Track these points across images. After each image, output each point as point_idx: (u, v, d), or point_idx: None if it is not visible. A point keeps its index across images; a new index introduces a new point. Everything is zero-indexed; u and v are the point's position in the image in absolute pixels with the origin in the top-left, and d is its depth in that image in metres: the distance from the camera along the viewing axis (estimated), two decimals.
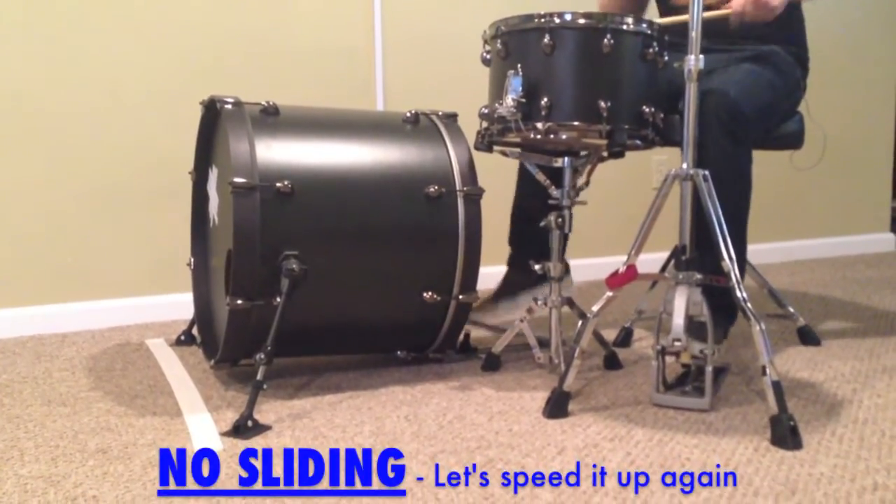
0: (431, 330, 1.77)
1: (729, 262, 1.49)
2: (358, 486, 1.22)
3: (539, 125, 1.59)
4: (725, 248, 1.50)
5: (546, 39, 1.58)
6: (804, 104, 2.04)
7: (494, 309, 1.99)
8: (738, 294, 1.47)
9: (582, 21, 1.59)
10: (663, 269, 2.00)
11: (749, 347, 1.93)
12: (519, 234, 2.07)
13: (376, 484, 1.22)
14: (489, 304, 2.01)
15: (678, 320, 1.49)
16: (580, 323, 1.58)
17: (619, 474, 1.25)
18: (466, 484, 1.22)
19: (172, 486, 1.22)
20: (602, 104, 1.58)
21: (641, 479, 1.23)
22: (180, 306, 2.25)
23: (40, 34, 2.14)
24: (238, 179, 1.54)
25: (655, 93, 1.68)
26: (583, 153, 1.78)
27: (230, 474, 1.26)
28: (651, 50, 1.63)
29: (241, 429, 1.43)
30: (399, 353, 1.82)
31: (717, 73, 1.79)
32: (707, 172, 1.54)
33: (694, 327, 1.51)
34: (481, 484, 1.22)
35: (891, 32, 3.70)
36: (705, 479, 1.23)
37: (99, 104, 2.22)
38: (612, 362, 1.82)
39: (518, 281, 1.99)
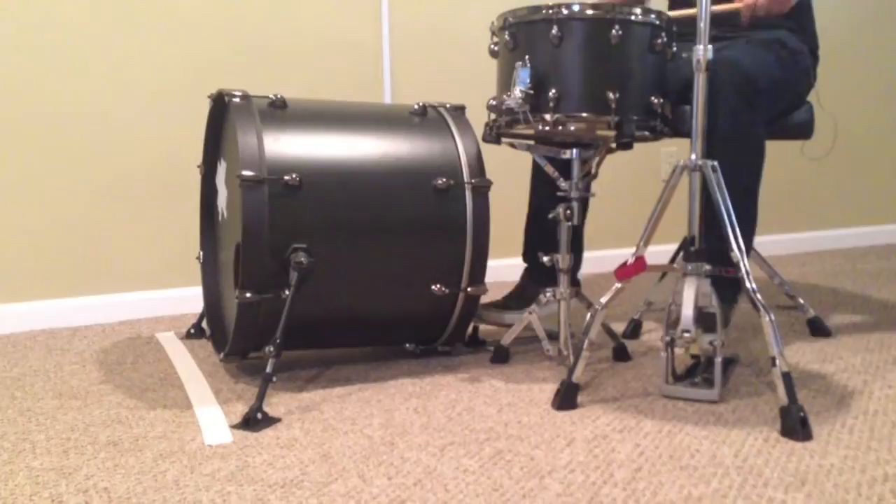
0: (440, 322, 1.78)
1: (738, 253, 1.48)
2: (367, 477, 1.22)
3: (547, 117, 1.59)
4: (735, 240, 1.49)
5: (554, 31, 1.58)
6: (815, 94, 2.03)
7: (500, 316, 1.97)
8: (748, 285, 1.46)
9: (590, 12, 1.59)
10: (672, 260, 1.99)
11: (759, 339, 1.93)
12: (534, 247, 2.02)
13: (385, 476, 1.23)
14: (496, 309, 2.00)
15: (687, 312, 1.48)
16: (589, 315, 1.58)
17: (628, 466, 1.25)
18: (475, 475, 1.22)
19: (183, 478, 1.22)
20: (610, 95, 1.58)
21: (651, 471, 1.23)
22: (190, 300, 2.27)
23: (48, 29, 2.14)
24: (246, 172, 1.55)
25: (664, 84, 1.67)
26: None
27: (240, 466, 1.26)
28: (659, 41, 1.62)
29: (250, 421, 1.43)
30: (408, 345, 1.82)
31: (728, 48, 1.78)
32: (716, 163, 1.54)
33: (703, 318, 1.51)
34: (490, 476, 1.22)
35: None
36: (715, 470, 1.23)
37: (107, 98, 2.22)
38: (621, 354, 1.82)
39: (529, 294, 1.96)
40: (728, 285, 1.73)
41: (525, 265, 2.09)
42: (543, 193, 1.94)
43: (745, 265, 1.48)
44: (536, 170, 2.02)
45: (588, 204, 1.95)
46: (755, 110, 1.76)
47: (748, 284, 1.46)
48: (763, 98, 1.78)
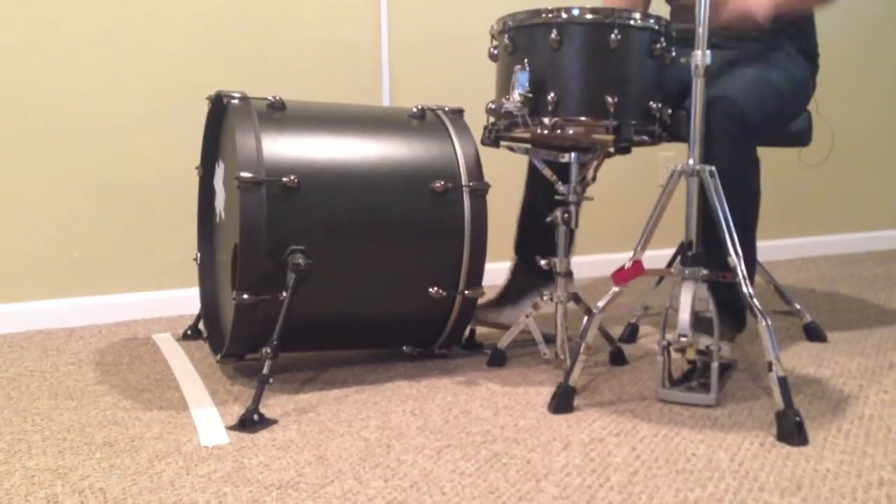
0: (437, 325, 1.78)
1: (735, 258, 1.48)
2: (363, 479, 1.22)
3: (546, 120, 1.59)
4: (732, 245, 1.50)
5: (553, 34, 1.58)
6: (813, 101, 2.03)
7: (498, 314, 1.98)
8: (745, 290, 1.46)
9: (589, 16, 1.59)
10: (669, 264, 1.99)
11: (755, 343, 1.93)
12: (527, 240, 2.03)
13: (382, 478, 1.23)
14: (493, 308, 2.00)
15: (684, 316, 1.49)
16: (586, 318, 1.58)
17: (625, 469, 1.25)
18: (472, 478, 1.22)
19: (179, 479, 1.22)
20: (609, 99, 1.58)
21: (647, 475, 1.23)
22: (187, 301, 2.27)
23: (46, 28, 2.14)
24: (244, 174, 1.55)
25: (662, 88, 1.67)
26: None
27: (236, 468, 1.26)
28: (658, 45, 1.62)
29: (247, 423, 1.43)
30: (405, 348, 1.82)
31: (724, 77, 1.78)
32: (713, 168, 1.54)
33: (700, 323, 1.51)
34: (487, 478, 1.22)
35: None
36: (711, 474, 1.23)
37: (105, 99, 2.22)
38: (617, 358, 1.82)
39: (522, 284, 1.97)
40: (733, 317, 1.76)
41: (516, 257, 2.09)
42: (538, 188, 1.94)
43: (741, 270, 1.48)
44: (532, 166, 2.02)
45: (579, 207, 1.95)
46: (749, 154, 1.77)
47: (745, 289, 1.46)
48: (757, 136, 1.79)
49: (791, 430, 1.35)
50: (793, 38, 1.95)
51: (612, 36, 1.57)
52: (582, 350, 1.53)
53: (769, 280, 2.14)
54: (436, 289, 1.70)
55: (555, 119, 1.59)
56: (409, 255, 1.69)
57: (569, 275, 1.75)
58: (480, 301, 1.93)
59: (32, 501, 1.15)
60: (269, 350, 1.51)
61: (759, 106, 1.77)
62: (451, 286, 1.72)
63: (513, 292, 1.99)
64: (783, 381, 1.38)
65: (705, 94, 1.54)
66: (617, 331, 2.03)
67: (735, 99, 1.73)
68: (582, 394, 1.60)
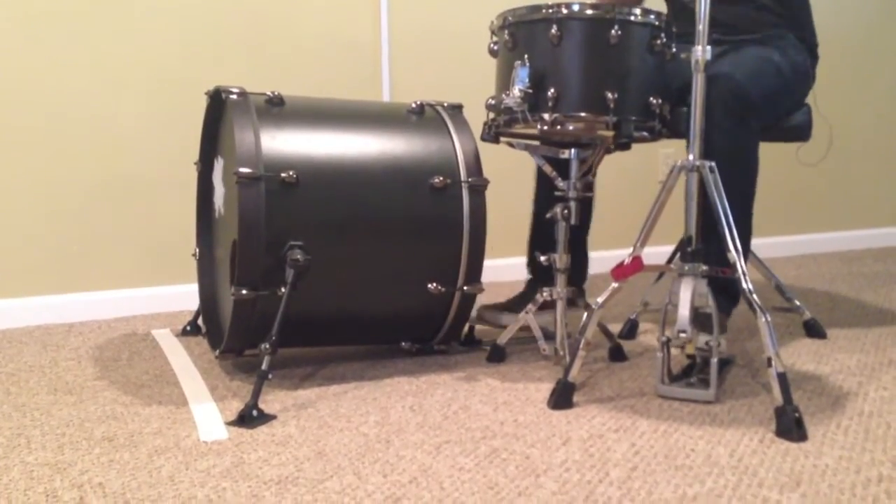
0: (436, 321, 1.78)
1: (735, 254, 1.48)
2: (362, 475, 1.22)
3: (546, 116, 1.59)
4: (731, 240, 1.50)
5: (553, 30, 1.58)
6: (812, 96, 2.03)
7: (497, 317, 1.97)
8: (744, 286, 1.46)
9: (590, 12, 1.59)
10: (669, 260, 1.99)
11: (755, 340, 1.94)
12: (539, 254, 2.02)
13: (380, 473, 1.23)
14: (495, 311, 1.99)
15: (684, 312, 1.48)
16: (585, 315, 1.58)
17: (624, 465, 1.25)
18: (471, 474, 1.22)
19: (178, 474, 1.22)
20: (609, 95, 1.58)
21: (646, 470, 1.23)
22: (186, 297, 2.26)
23: (45, 23, 2.14)
24: (243, 169, 1.54)
25: (663, 84, 1.67)
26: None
27: (235, 463, 1.26)
28: (658, 41, 1.62)
29: (246, 418, 1.43)
30: (404, 344, 1.82)
31: (724, 58, 1.78)
32: (713, 164, 1.54)
33: (699, 319, 1.51)
34: (486, 474, 1.22)
35: None
36: (710, 470, 1.23)
37: (104, 94, 2.22)
38: (617, 354, 1.82)
39: (531, 299, 1.96)
40: (725, 294, 1.75)
41: (529, 271, 2.08)
42: (547, 201, 1.94)
43: (741, 266, 1.48)
44: (540, 175, 2.01)
45: (592, 207, 1.95)
46: (748, 127, 1.76)
47: (745, 285, 1.46)
48: (756, 112, 1.78)
49: (790, 426, 1.35)
50: (793, 28, 1.94)
51: (613, 31, 1.57)
52: (581, 346, 1.52)
53: (769, 276, 2.14)
54: (435, 285, 1.70)
55: (555, 115, 1.59)
56: (407, 251, 1.69)
57: (578, 283, 1.74)
58: (489, 302, 1.94)
59: (31, 496, 1.15)
60: (267, 346, 1.51)
61: (758, 81, 1.77)
62: (450, 282, 1.72)
63: (518, 307, 1.97)
64: (782, 378, 1.38)
65: (705, 75, 1.53)
66: (616, 327, 2.03)
67: (732, 74, 1.73)
68: (581, 390, 1.60)
